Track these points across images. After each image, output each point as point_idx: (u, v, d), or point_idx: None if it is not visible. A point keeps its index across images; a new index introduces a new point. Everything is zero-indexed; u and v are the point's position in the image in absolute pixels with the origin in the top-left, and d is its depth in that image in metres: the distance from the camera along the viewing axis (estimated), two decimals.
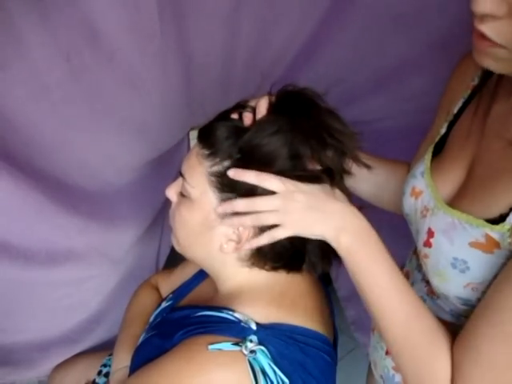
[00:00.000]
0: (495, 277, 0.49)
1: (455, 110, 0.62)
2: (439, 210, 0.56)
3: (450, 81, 0.68)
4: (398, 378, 0.67)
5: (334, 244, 0.55)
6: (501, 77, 0.57)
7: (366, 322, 0.85)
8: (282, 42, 0.86)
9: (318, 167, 0.58)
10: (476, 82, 0.61)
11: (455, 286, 0.53)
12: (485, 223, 0.49)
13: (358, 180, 0.72)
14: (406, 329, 0.52)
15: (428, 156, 0.62)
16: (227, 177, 0.58)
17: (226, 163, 0.59)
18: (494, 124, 0.56)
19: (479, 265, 0.50)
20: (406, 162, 0.75)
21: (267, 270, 0.63)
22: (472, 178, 0.56)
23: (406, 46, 0.86)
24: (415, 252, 0.67)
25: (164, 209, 1.25)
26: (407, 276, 0.69)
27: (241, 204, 0.57)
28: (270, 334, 0.57)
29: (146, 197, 1.12)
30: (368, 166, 0.64)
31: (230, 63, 0.88)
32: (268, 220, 0.56)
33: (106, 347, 1.20)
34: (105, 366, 1.03)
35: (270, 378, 0.55)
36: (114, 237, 1.05)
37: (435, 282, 0.56)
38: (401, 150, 0.81)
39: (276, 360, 0.56)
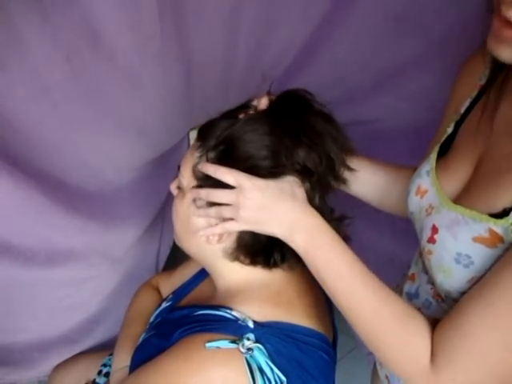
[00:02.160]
0: None
1: (462, 110, 0.62)
2: (444, 207, 0.56)
3: (456, 81, 0.67)
4: None
5: (289, 243, 0.56)
6: (507, 76, 0.56)
7: None
8: (282, 42, 0.86)
9: (296, 165, 0.58)
10: (483, 81, 0.61)
11: (459, 281, 0.52)
12: (488, 218, 0.49)
13: (360, 183, 0.72)
14: (376, 318, 0.51)
15: (434, 155, 0.62)
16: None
17: (211, 154, 0.60)
18: (502, 123, 0.56)
19: (483, 259, 0.49)
20: (412, 167, 0.75)
21: (247, 265, 0.64)
22: (478, 175, 0.56)
23: (405, 46, 0.86)
24: (421, 255, 0.67)
25: (164, 209, 1.25)
26: (413, 278, 0.68)
27: (202, 193, 0.59)
28: (268, 332, 0.58)
29: (146, 197, 1.13)
30: (352, 169, 0.64)
31: (230, 63, 0.88)
32: (224, 213, 0.58)
33: (106, 347, 1.20)
34: (105, 365, 1.03)
35: (267, 376, 0.55)
36: (114, 237, 1.05)
37: (439, 278, 0.55)
38: (400, 149, 0.81)
39: (273, 358, 0.56)
